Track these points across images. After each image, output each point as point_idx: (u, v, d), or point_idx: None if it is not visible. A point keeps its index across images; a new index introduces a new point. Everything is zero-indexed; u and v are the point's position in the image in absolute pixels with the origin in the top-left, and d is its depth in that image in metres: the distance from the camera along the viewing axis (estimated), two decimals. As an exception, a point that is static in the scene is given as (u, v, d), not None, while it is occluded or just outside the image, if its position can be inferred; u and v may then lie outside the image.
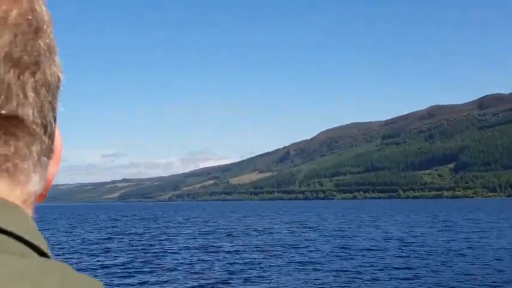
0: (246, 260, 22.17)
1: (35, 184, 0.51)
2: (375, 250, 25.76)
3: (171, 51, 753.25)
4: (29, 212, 0.50)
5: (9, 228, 0.44)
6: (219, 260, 22.49)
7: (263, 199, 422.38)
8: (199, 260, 22.42)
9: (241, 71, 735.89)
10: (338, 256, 23.53)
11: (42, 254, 0.46)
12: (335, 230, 40.83)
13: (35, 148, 0.50)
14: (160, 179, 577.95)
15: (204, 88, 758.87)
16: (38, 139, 0.50)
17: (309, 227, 45.67)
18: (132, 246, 28.59)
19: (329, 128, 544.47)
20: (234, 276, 18.19)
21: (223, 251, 25.68)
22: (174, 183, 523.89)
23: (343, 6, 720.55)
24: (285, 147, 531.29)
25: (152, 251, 25.90)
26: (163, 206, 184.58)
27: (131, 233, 38.75)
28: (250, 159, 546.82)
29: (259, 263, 21.27)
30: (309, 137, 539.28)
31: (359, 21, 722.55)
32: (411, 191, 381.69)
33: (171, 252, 25.22)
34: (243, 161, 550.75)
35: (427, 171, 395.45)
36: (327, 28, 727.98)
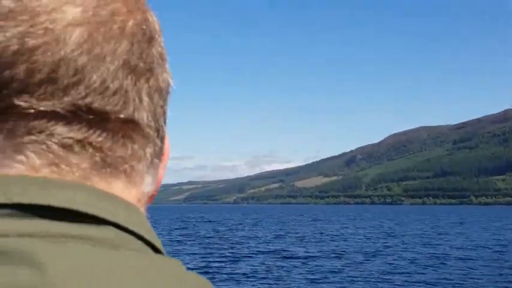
0: (326, 268, 20.77)
1: (148, 185, 0.54)
2: (465, 259, 23.74)
3: (239, 55, 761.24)
4: (143, 211, 0.52)
5: (129, 226, 0.46)
6: (296, 266, 21.20)
7: (328, 203, 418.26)
8: (277, 266, 21.18)
9: (306, 74, 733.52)
10: (426, 265, 21.71)
11: (156, 251, 0.49)
12: (414, 237, 38.62)
13: (149, 150, 0.52)
14: (226, 182, 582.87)
15: (270, 91, 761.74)
16: (151, 142, 0.52)
17: (385, 233, 43.59)
18: (205, 249, 27.73)
19: (397, 131, 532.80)
20: (317, 285, 16.82)
21: (299, 257, 24.37)
22: (239, 185, 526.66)
23: (410, 6, 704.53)
24: (351, 151, 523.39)
25: (225, 255, 24.90)
26: (229, 209, 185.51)
27: (202, 236, 37.98)
28: (316, 162, 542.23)
29: (340, 271, 19.83)
30: (376, 141, 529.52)
31: (428, 20, 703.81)
32: (484, 197, 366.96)
33: (245, 257, 24.15)
34: (308, 165, 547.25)
35: (501, 177, 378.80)
36: (394, 28, 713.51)
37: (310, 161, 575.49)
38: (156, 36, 0.53)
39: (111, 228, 0.46)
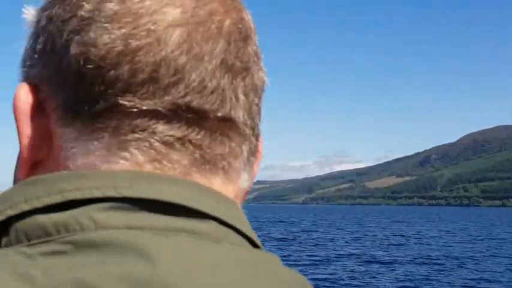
0: (415, 274, 19.02)
1: (244, 181, 0.55)
2: None
3: (307, 55, 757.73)
4: (240, 206, 0.54)
5: (229, 221, 0.48)
6: (381, 272, 19.52)
7: (401, 204, 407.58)
8: (361, 271, 19.58)
9: (380, 73, 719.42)
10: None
11: (255, 245, 0.50)
12: (505, 241, 35.65)
13: (245, 148, 0.54)
14: (295, 182, 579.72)
15: (339, 90, 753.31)
16: (247, 139, 0.54)
17: (471, 236, 40.75)
18: (281, 250, 26.44)
19: (474, 130, 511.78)
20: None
21: (384, 261, 22.63)
22: (308, 186, 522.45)
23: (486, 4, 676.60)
24: (425, 151, 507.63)
25: (303, 257, 23.48)
26: (299, 209, 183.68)
27: (276, 238, 36.59)
28: (388, 162, 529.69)
29: (432, 278, 18.06)
30: (452, 140, 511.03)
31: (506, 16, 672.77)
32: None
33: (324, 260, 22.66)
34: (379, 165, 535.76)
35: None
36: (471, 26, 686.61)
37: (381, 161, 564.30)
38: (252, 34, 0.55)
39: (213, 222, 0.47)
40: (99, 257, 0.41)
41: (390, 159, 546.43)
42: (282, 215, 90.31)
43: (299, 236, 37.84)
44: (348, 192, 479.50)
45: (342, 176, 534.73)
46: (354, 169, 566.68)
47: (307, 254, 25.27)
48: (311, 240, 33.96)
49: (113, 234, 0.43)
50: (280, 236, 37.07)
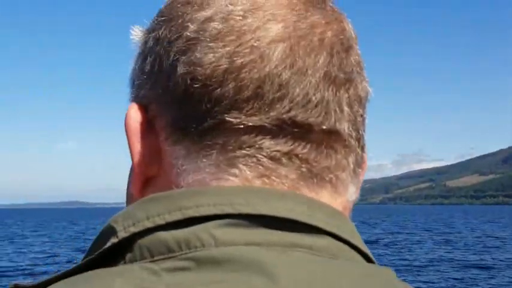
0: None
1: (351, 194, 0.55)
2: None
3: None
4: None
5: (343, 236, 0.48)
6: (482, 279, 17.72)
7: (485, 204, 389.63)
8: (461, 278, 17.85)
9: (457, 70, 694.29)
10: None
11: (368, 260, 0.50)
12: None
13: (351, 160, 0.53)
14: (371, 181, 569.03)
15: (417, 87, 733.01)
16: (353, 151, 0.53)
17: None
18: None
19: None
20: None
21: (483, 267, 20.68)
22: (385, 185, 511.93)
23: None
24: (510, 148, 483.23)
25: (395, 263, 21.84)
26: (377, 210, 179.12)
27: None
28: (469, 160, 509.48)
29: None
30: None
31: None
32: None
33: (417, 265, 21.01)
34: (460, 163, 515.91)
35: None
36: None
37: (462, 159, 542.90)
38: (353, 44, 0.54)
39: (328, 237, 0.47)
40: (222, 273, 0.42)
41: (472, 156, 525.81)
42: (362, 216, 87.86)
43: (382, 238, 36.08)
44: (428, 191, 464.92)
45: (420, 175, 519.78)
46: (434, 168, 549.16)
47: (396, 258, 23.65)
48: (397, 243, 32.16)
49: (233, 250, 0.43)
50: (363, 238, 35.19)
